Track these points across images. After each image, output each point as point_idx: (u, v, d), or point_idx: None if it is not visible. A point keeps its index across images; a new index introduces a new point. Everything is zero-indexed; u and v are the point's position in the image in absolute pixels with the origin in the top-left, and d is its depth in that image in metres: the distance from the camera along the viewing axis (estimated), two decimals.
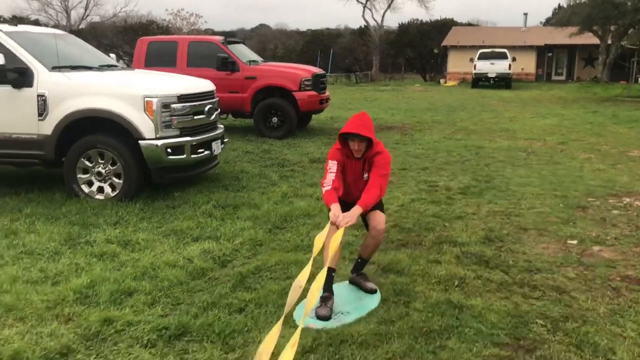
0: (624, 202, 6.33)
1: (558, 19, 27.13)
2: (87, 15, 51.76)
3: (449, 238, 5.00)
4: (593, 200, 6.40)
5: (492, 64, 30.09)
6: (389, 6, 45.66)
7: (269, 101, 10.99)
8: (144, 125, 5.87)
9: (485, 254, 4.61)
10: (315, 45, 48.02)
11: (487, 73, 30.05)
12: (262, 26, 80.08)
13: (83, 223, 5.25)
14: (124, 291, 3.78)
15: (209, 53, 11.01)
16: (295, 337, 2.72)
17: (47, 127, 5.95)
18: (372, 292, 3.83)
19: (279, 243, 4.86)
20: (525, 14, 43.18)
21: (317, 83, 11.35)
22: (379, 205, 3.80)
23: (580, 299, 3.80)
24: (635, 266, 4.40)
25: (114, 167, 6.00)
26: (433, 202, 6.25)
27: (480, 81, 30.38)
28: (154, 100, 5.86)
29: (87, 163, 6.03)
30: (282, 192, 6.49)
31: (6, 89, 5.93)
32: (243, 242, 4.83)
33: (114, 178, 6.03)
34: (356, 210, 3.55)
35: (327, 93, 12.07)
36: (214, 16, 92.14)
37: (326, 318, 3.49)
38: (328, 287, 3.63)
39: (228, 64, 10.90)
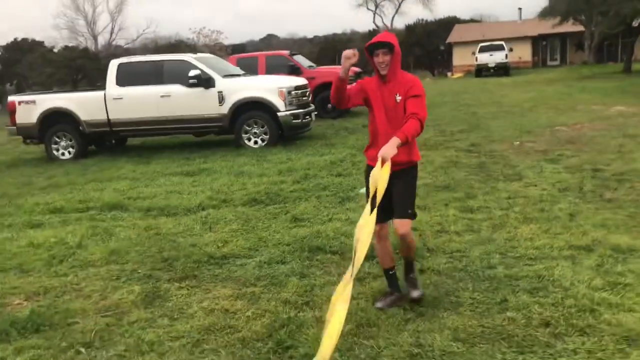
0: (555, 128, 10.91)
1: (542, 12, 31.74)
2: (113, 40, 57.30)
3: (451, 146, 9.66)
4: (538, 129, 10.98)
5: (491, 55, 34.75)
6: (396, 11, 50.59)
7: (324, 93, 15.67)
8: (279, 104, 10.58)
9: (469, 149, 9.25)
10: (329, 51, 52.85)
11: (487, 64, 34.70)
12: (271, 36, 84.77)
13: (258, 155, 9.95)
14: (305, 168, 8.47)
15: (280, 63, 15.75)
16: (347, 292, 2.76)
17: (224, 109, 10.68)
18: (415, 301, 3.69)
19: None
20: (520, 9, 48.38)
21: (358, 78, 16.04)
22: (404, 208, 3.60)
23: (511, 157, 8.40)
24: (544, 146, 9.00)
25: (263, 129, 10.73)
26: (443, 136, 10.90)
27: (482, 71, 34.96)
28: (284, 89, 10.58)
29: (247, 128, 10.76)
30: (355, 138, 11.19)
31: (200, 89, 10.68)
32: (346, 155, 9.51)
33: (263, 135, 10.75)
34: (394, 141, 3.22)
35: None
36: (222, 29, 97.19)
37: (381, 308, 3.67)
38: (393, 286, 3.81)
39: (295, 70, 15.61)
